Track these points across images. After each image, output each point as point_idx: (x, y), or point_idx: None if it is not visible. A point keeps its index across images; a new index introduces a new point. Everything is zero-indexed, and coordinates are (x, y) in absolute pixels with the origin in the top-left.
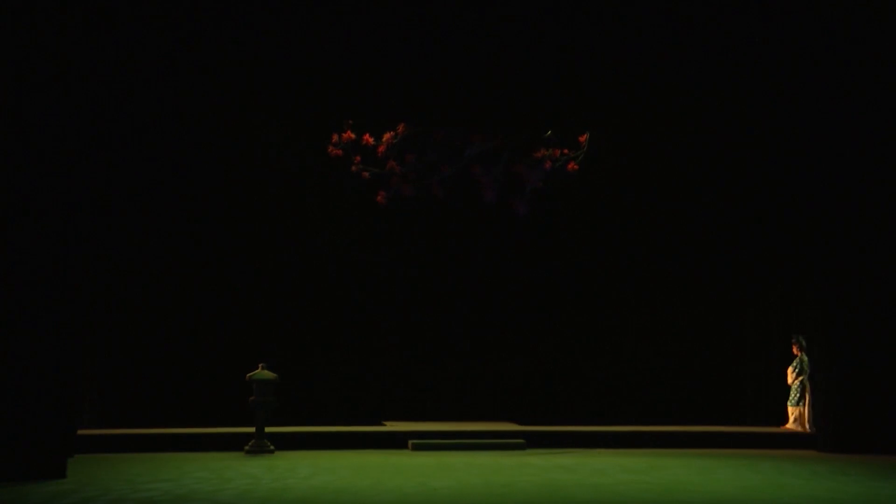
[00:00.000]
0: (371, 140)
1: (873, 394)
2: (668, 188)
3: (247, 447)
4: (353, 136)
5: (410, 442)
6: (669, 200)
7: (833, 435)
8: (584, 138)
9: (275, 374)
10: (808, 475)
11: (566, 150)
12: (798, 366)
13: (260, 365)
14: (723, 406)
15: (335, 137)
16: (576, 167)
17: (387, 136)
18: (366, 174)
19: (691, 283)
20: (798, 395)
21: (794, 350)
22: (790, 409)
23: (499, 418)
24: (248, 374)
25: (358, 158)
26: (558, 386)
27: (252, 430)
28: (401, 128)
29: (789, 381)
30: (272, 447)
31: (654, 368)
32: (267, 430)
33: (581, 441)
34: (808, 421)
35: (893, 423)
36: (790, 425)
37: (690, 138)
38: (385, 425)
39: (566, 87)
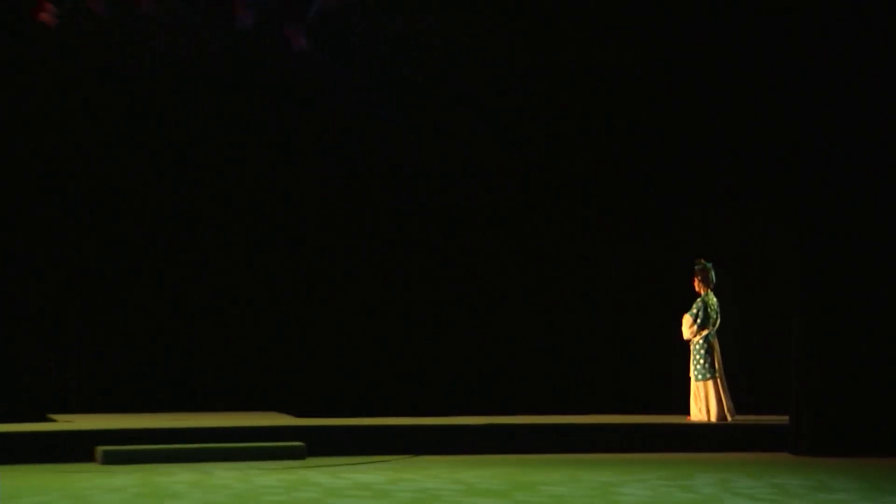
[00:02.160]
0: None
1: (867, 380)
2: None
3: None
4: None
5: (100, 450)
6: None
7: (812, 432)
8: None
9: None
10: (770, 492)
11: None
12: (699, 311)
13: None
14: (637, 393)
15: None
16: None
17: None
18: None
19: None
20: (703, 359)
21: (696, 284)
22: (694, 385)
23: (265, 408)
24: None
25: None
26: (367, 362)
27: None
28: None
29: (686, 334)
30: None
31: (532, 343)
32: None
33: (401, 441)
34: (727, 404)
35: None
36: (695, 411)
37: None
38: (56, 421)
39: None
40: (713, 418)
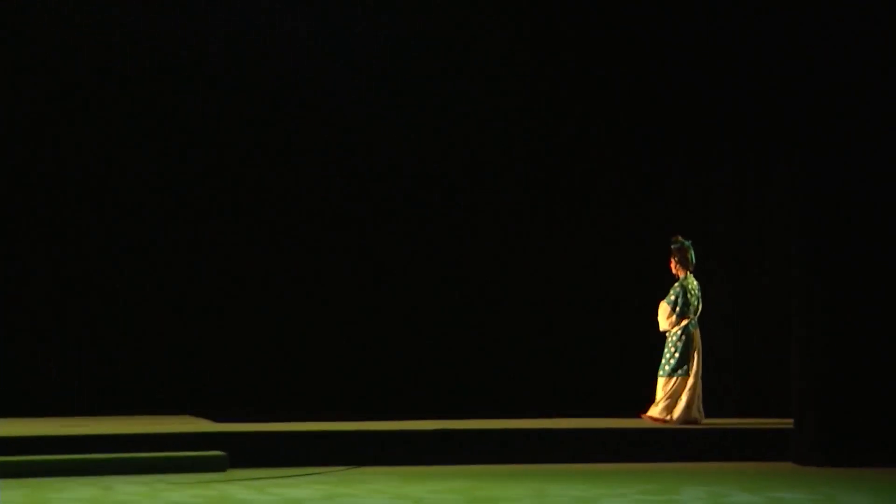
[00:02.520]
0: None
1: (877, 382)
2: None
3: None
4: None
5: None
6: None
7: (817, 438)
8: None
9: None
10: None
11: None
12: (678, 297)
13: None
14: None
15: None
16: None
17: None
18: None
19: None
20: (679, 353)
21: (672, 267)
22: (662, 381)
23: (178, 411)
24: None
25: None
26: (300, 357)
27: None
28: None
29: (663, 325)
30: None
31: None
32: None
33: (340, 450)
34: (696, 404)
35: None
36: (656, 409)
37: None
38: None
39: None
40: (677, 418)
